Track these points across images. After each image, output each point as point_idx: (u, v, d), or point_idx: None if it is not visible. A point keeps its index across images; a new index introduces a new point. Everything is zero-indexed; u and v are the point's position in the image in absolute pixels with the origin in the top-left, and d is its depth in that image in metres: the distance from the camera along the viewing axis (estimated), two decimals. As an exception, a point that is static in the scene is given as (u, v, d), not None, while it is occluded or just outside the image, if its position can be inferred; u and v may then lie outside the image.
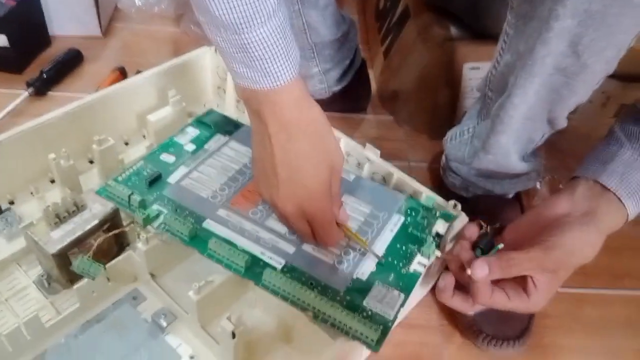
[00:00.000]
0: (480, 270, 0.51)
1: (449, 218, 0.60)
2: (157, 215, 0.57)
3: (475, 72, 0.81)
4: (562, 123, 0.59)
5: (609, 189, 0.53)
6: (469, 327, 0.62)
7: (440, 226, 0.59)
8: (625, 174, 0.54)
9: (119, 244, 0.63)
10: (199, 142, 0.68)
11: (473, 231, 0.58)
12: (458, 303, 0.56)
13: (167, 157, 0.65)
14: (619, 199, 0.53)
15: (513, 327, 0.62)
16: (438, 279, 0.58)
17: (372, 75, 0.98)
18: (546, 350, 0.64)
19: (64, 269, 0.58)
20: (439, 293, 0.57)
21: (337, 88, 0.85)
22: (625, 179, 0.53)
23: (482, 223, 0.66)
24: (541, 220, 0.55)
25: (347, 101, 0.89)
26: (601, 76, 0.53)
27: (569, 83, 0.53)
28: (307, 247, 0.56)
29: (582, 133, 0.84)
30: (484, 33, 0.81)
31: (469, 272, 0.52)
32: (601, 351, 0.65)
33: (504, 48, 0.58)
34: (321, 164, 0.52)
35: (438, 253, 0.57)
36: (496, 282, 0.53)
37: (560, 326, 0.66)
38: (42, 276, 0.61)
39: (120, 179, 0.62)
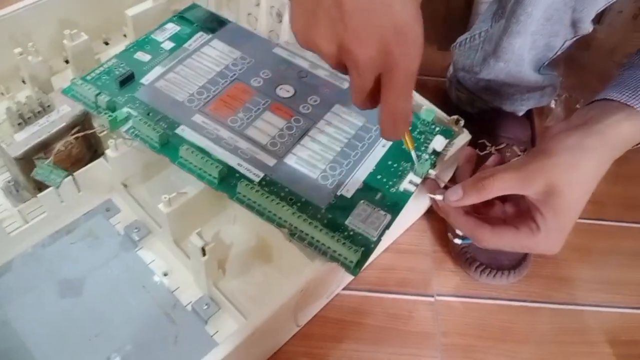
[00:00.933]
0: (454, 195, 0.44)
1: (448, 134, 0.54)
2: (127, 119, 0.52)
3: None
4: (587, 27, 0.51)
5: (618, 101, 0.44)
6: (462, 255, 0.58)
7: (438, 143, 0.53)
8: (639, 87, 0.44)
9: (93, 151, 0.59)
10: (179, 40, 0.61)
11: (471, 155, 0.51)
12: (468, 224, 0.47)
13: (142, 56, 0.59)
14: (631, 108, 0.44)
15: (509, 257, 0.58)
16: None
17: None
18: (543, 281, 0.60)
19: (29, 175, 0.54)
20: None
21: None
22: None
23: (486, 142, 0.61)
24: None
25: None
26: None
27: None
28: (290, 160, 0.51)
29: (607, 47, 0.76)
30: None
31: (438, 197, 0.46)
32: (604, 283, 0.61)
33: None
34: None
35: (433, 172, 0.51)
36: (504, 222, 0.46)
37: (563, 258, 0.62)
38: (10, 182, 0.57)
39: (88, 77, 0.56)
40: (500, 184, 0.43)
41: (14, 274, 0.53)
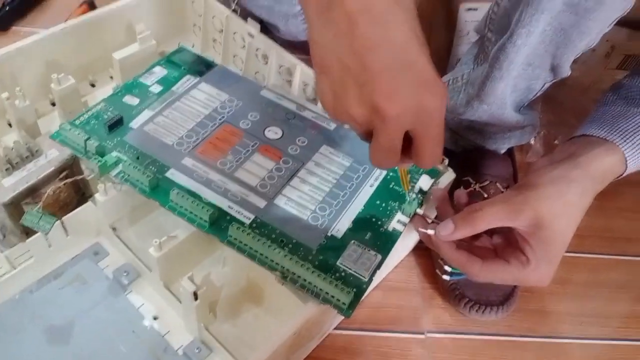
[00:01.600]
0: (445, 229, 0.45)
1: (434, 174, 0.55)
2: (116, 163, 0.52)
3: (472, 13, 0.75)
4: (566, 71, 0.54)
5: (597, 137, 0.47)
6: (451, 291, 0.59)
7: (424, 182, 0.55)
8: (616, 123, 0.47)
9: (80, 195, 0.58)
10: (167, 83, 0.62)
11: (462, 196, 0.52)
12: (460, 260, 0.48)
13: (131, 99, 0.59)
14: (610, 142, 0.46)
15: (496, 293, 0.58)
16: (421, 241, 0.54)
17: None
18: (531, 315, 0.61)
19: (17, 220, 0.54)
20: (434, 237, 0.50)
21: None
22: (617, 126, 0.47)
23: (470, 180, 0.62)
24: None
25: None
26: (616, 16, 0.48)
27: (579, 22, 0.47)
28: (280, 201, 0.52)
29: (582, 85, 0.78)
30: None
31: (430, 232, 0.47)
32: (590, 315, 0.62)
33: None
34: (424, 41, 0.37)
35: (420, 210, 0.52)
36: (495, 254, 0.47)
37: (549, 292, 0.63)
38: (-4, 227, 0.56)
39: (77, 122, 0.56)
40: (490, 217, 0.44)
41: (1, 321, 0.52)
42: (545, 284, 0.46)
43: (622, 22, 0.51)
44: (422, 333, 0.58)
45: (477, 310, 0.58)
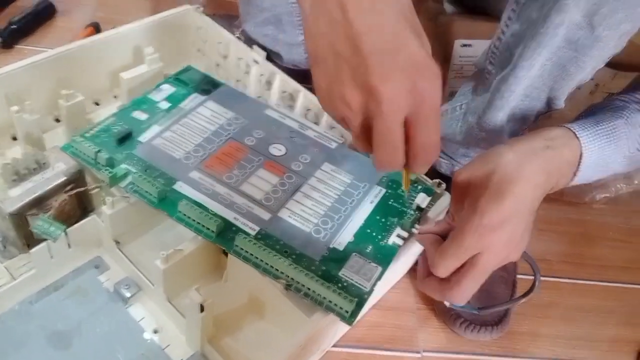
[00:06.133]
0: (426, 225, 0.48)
1: (430, 192, 0.57)
2: (125, 175, 0.53)
3: (466, 49, 0.78)
4: (560, 104, 0.57)
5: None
6: (447, 312, 0.60)
7: (421, 199, 0.57)
8: (576, 119, 0.50)
9: (82, 209, 0.59)
10: (174, 100, 0.63)
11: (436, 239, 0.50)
12: (433, 285, 0.48)
13: (140, 115, 0.61)
14: (561, 126, 0.48)
15: (491, 314, 0.60)
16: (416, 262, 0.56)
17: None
18: (524, 337, 0.62)
19: (21, 231, 0.54)
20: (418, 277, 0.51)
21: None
22: (579, 122, 0.48)
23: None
24: None
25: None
26: (610, 53, 0.51)
27: (577, 58, 0.50)
28: (284, 214, 0.53)
29: (567, 118, 0.82)
30: (477, 9, 0.78)
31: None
32: (579, 339, 0.64)
33: (511, 17, 0.55)
34: (421, 31, 0.38)
35: (417, 227, 0.54)
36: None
37: (541, 315, 0.65)
38: (-2, 238, 0.57)
39: (87, 135, 0.58)
40: (463, 171, 0.46)
41: (0, 331, 0.51)
42: (485, 238, 0.42)
43: (607, 63, 0.54)
44: (418, 352, 0.59)
45: (472, 330, 0.59)
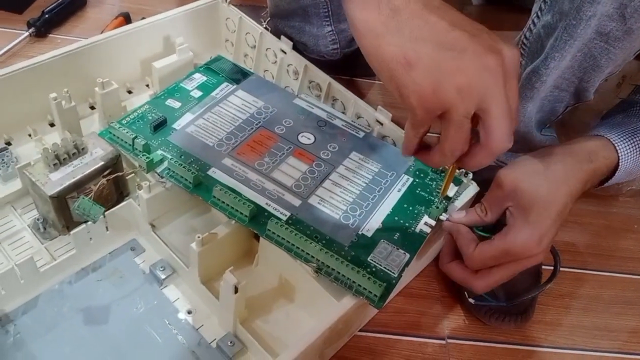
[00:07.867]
0: (457, 214, 0.52)
1: (457, 182, 0.58)
2: (162, 160, 0.55)
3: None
4: (589, 95, 0.57)
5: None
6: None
7: (448, 189, 0.58)
8: (604, 124, 0.53)
9: (119, 193, 0.61)
10: (206, 89, 0.65)
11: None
12: (458, 271, 0.52)
13: (173, 103, 0.63)
14: (602, 136, 0.52)
15: (518, 303, 0.61)
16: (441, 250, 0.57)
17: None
18: (547, 327, 0.63)
19: (61, 213, 0.56)
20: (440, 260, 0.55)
21: (349, 50, 0.83)
22: (604, 124, 0.53)
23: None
24: None
25: (358, 65, 0.86)
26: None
27: (608, 50, 0.51)
28: (314, 201, 0.55)
29: (594, 111, 0.82)
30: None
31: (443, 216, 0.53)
32: (601, 329, 0.64)
33: (543, 9, 0.55)
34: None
35: (444, 216, 0.55)
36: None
37: (561, 305, 0.66)
38: (38, 220, 0.59)
39: (124, 121, 0.60)
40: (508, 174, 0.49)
41: (40, 310, 0.53)
42: (532, 251, 0.47)
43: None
44: (443, 339, 0.60)
45: (497, 318, 0.60)
